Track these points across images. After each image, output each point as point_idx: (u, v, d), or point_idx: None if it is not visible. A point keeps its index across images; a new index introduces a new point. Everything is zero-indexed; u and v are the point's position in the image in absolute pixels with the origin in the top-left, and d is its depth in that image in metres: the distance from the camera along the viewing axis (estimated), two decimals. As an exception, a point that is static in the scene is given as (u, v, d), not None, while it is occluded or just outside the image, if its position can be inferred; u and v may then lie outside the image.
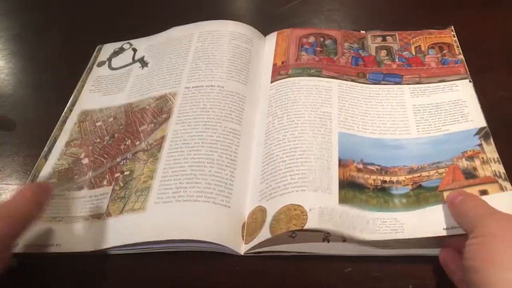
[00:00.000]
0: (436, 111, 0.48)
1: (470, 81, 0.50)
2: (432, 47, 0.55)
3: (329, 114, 0.48)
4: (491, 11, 0.60)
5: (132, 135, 0.51)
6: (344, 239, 0.40)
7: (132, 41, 0.63)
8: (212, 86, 0.52)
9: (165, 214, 0.42)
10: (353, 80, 0.52)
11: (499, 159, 0.42)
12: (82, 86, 0.58)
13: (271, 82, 0.53)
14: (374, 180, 0.43)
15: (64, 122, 0.54)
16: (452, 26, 0.58)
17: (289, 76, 0.53)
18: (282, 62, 0.56)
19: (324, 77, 0.52)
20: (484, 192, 0.39)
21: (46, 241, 0.42)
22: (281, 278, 0.39)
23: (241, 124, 0.49)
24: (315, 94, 0.50)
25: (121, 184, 0.46)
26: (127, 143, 0.50)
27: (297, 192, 0.41)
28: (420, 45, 0.56)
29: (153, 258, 0.41)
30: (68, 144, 0.52)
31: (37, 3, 0.75)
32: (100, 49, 0.63)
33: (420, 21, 0.59)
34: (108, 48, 0.63)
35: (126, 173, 0.47)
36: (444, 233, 0.37)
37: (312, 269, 0.39)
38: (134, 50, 0.62)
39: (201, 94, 0.51)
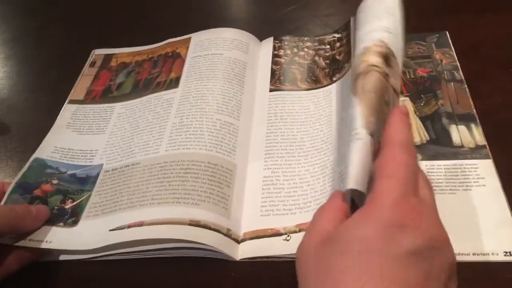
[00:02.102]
0: None
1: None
2: None
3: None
4: (486, 17, 0.61)
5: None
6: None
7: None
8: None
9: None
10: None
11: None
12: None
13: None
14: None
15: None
16: (447, 32, 0.58)
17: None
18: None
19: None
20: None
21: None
22: (276, 283, 0.39)
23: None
24: None
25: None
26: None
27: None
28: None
29: (148, 264, 0.41)
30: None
31: (32, 7, 0.75)
32: (95, 54, 0.63)
33: (415, 27, 0.59)
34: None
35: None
36: None
37: (307, 275, 0.39)
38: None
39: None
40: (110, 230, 0.41)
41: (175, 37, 0.63)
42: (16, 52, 0.67)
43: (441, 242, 0.27)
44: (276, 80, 0.55)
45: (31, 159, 0.49)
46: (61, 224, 0.43)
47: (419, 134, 0.48)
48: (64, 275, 0.41)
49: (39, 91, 0.60)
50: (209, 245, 0.39)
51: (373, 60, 0.36)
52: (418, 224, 0.27)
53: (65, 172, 0.48)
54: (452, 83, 0.52)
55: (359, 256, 0.26)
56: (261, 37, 0.61)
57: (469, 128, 0.47)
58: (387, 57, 0.36)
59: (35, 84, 0.62)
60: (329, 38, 0.60)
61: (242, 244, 0.41)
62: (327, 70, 0.55)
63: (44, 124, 0.54)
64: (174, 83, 0.56)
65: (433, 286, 0.25)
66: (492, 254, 0.38)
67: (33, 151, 0.50)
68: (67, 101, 0.57)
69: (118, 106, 0.56)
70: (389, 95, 0.35)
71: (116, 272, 0.41)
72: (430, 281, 0.25)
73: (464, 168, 0.44)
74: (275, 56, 0.59)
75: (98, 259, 0.42)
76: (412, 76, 0.54)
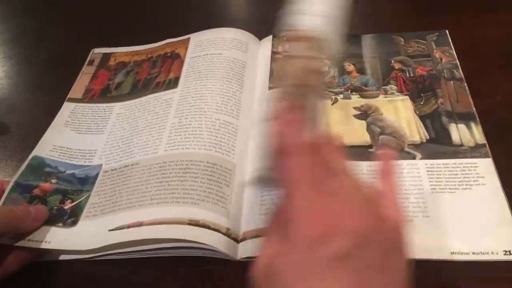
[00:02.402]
0: None
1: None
2: None
3: None
4: (486, 16, 0.61)
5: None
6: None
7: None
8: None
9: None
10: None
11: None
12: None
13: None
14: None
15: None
16: (447, 30, 0.58)
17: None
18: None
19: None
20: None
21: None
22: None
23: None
24: None
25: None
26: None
27: None
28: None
29: (148, 264, 0.41)
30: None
31: (32, 7, 0.75)
32: (94, 53, 0.63)
33: (415, 25, 0.60)
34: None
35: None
36: None
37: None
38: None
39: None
40: (110, 230, 0.41)
41: (175, 37, 0.63)
42: (16, 52, 0.67)
43: (370, 231, 0.26)
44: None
45: (30, 157, 0.49)
46: (60, 224, 0.43)
47: (419, 133, 0.48)
48: (63, 275, 0.41)
49: (39, 91, 0.60)
50: (208, 245, 0.39)
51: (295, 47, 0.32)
52: (339, 227, 0.26)
53: (64, 172, 0.48)
54: (452, 81, 0.52)
55: (298, 282, 0.25)
56: (261, 37, 0.61)
57: (468, 127, 0.47)
58: (312, 41, 0.33)
59: (34, 84, 0.62)
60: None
61: (241, 243, 0.41)
62: None
63: (44, 124, 0.54)
64: (173, 83, 0.56)
65: (368, 275, 0.25)
66: (492, 253, 0.38)
67: (32, 151, 0.50)
68: (66, 99, 0.57)
69: (117, 106, 0.55)
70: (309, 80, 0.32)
71: (116, 272, 0.41)
72: (362, 274, 0.25)
73: (463, 167, 0.44)
74: (274, 53, 0.58)
75: (98, 259, 0.42)
76: (412, 75, 0.54)
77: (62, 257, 0.42)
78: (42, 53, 0.66)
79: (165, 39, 0.63)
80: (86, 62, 0.62)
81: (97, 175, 0.48)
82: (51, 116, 0.55)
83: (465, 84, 0.51)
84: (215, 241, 0.40)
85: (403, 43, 0.58)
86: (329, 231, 0.25)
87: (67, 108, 0.56)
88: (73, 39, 0.68)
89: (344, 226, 0.26)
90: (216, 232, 0.40)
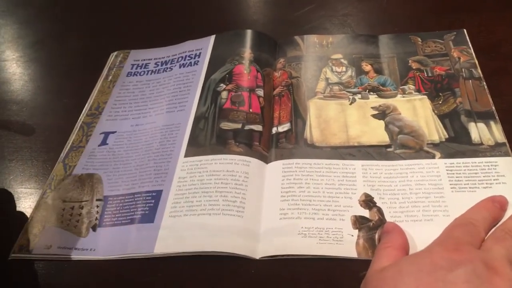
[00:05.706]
0: None
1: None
2: None
3: None
4: (505, 15, 0.60)
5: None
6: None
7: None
8: None
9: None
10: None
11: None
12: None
13: None
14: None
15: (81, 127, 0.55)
16: (465, 29, 0.58)
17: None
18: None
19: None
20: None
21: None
22: (295, 281, 0.39)
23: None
24: None
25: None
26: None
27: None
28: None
29: (169, 261, 0.42)
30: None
31: (55, 11, 0.77)
32: (114, 56, 0.65)
33: (434, 25, 0.59)
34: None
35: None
36: None
37: (326, 272, 0.40)
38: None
39: None
40: None
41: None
42: (39, 55, 0.68)
43: None
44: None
45: None
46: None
47: (438, 132, 0.48)
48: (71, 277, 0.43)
49: (61, 94, 0.61)
50: (229, 252, 0.41)
51: None
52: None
53: None
54: (470, 80, 0.52)
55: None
56: (278, 37, 0.61)
57: (488, 126, 0.47)
58: None
59: (57, 86, 0.63)
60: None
61: (261, 243, 0.42)
62: None
63: (66, 126, 0.55)
64: None
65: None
66: None
67: (56, 151, 0.52)
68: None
69: None
70: None
71: (136, 269, 0.42)
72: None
73: (484, 165, 0.44)
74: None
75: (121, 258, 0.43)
76: (430, 75, 0.54)
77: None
78: (65, 57, 0.67)
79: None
80: (107, 67, 0.63)
81: None
82: (73, 118, 0.56)
83: (484, 83, 0.51)
84: (236, 248, 0.41)
85: (420, 42, 0.58)
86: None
87: None
88: (95, 42, 0.69)
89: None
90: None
